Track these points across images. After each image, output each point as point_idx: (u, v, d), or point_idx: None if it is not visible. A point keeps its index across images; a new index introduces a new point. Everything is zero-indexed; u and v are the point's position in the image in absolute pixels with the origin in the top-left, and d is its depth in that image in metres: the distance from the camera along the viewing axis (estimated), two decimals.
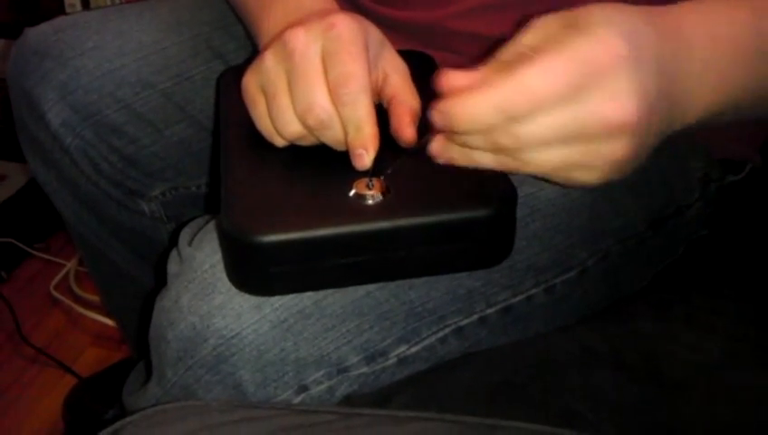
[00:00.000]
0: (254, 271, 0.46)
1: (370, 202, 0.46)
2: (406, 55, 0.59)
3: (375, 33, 0.50)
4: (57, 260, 1.31)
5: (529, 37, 0.41)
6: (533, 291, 0.57)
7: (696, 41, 0.42)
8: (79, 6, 1.50)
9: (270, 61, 0.48)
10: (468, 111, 0.39)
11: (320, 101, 0.46)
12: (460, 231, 0.46)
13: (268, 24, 0.56)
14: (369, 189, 0.46)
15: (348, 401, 0.52)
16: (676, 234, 0.65)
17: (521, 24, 0.42)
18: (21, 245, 1.31)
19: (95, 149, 0.72)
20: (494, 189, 0.47)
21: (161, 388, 0.53)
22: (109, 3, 1.50)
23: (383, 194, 0.46)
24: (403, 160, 0.48)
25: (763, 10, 0.45)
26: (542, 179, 0.44)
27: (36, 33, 0.73)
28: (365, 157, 0.47)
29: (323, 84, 0.46)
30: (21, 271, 1.31)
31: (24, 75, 0.72)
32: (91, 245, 0.83)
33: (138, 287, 0.84)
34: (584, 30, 0.38)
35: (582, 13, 0.40)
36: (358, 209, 0.46)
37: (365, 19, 0.50)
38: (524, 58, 0.38)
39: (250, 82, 0.50)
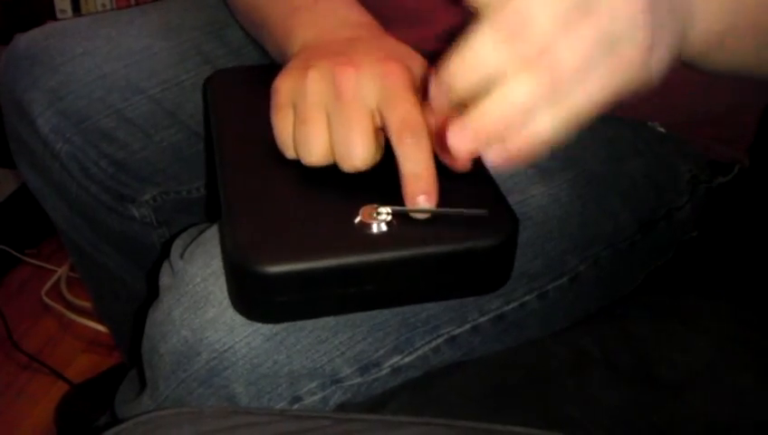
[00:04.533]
0: (259, 300, 0.46)
1: (375, 231, 0.46)
2: None
3: (420, 67, 0.50)
4: (48, 266, 1.30)
5: None
6: (526, 298, 0.57)
7: None
8: (70, 12, 1.50)
9: (314, 84, 0.47)
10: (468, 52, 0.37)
11: (362, 152, 0.46)
12: (465, 261, 0.46)
13: (297, 31, 0.55)
14: (375, 218, 0.46)
15: (342, 408, 0.52)
16: (667, 236, 0.66)
17: None
18: (12, 251, 1.30)
19: (85, 155, 0.72)
20: (498, 218, 0.47)
21: (154, 401, 0.53)
22: (99, 7, 1.50)
23: (388, 223, 0.46)
24: None
25: None
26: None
27: (26, 40, 0.73)
28: (422, 202, 0.45)
29: (371, 135, 0.46)
30: (12, 277, 1.30)
31: (14, 81, 0.71)
32: (82, 250, 0.83)
33: (130, 292, 0.84)
34: None
35: None
36: (363, 239, 0.45)
37: (414, 55, 0.50)
38: None
39: (283, 89, 0.49)
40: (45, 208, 0.81)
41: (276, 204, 0.48)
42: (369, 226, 0.46)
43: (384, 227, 0.46)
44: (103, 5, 1.50)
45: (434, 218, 0.46)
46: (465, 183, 0.48)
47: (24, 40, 0.73)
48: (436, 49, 0.62)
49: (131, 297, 0.83)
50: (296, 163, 0.50)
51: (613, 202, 0.60)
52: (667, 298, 0.65)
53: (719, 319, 0.62)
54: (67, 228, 0.81)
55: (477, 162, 0.52)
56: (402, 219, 0.46)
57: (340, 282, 0.45)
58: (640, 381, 0.55)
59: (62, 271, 1.29)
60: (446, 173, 0.47)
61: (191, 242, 0.54)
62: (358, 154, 0.46)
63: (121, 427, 0.42)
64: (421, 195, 0.45)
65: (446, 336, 0.54)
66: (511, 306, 0.56)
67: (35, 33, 0.74)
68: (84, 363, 1.16)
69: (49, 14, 1.48)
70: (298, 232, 0.46)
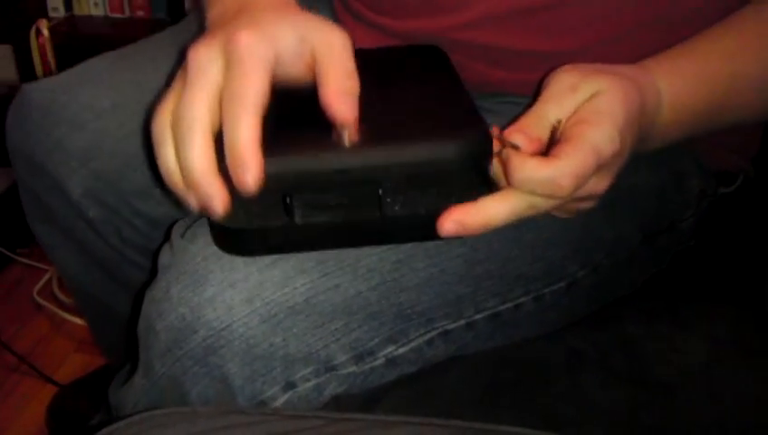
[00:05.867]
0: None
1: (347, 143, 0.46)
2: (414, 50, 0.61)
3: (290, 35, 0.46)
4: (40, 266, 1.30)
5: (553, 110, 0.47)
6: (522, 299, 0.57)
7: (665, 99, 0.51)
8: (62, 10, 1.49)
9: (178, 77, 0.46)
10: (531, 178, 0.44)
11: (197, 111, 0.43)
12: (432, 169, 0.47)
13: (208, 9, 0.53)
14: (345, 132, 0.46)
15: (336, 401, 0.52)
16: (667, 247, 0.66)
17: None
18: (4, 250, 1.30)
19: (119, 216, 0.68)
20: (468, 129, 0.48)
21: (148, 380, 0.53)
22: (92, 6, 1.50)
23: (360, 133, 0.46)
24: None
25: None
26: None
27: (41, 93, 0.66)
28: (246, 176, 0.42)
29: (207, 104, 0.43)
30: (3, 276, 1.30)
31: (32, 141, 0.66)
32: (95, 298, 0.79)
33: None
34: (596, 125, 0.45)
35: (593, 106, 0.47)
36: (334, 146, 0.46)
37: (282, 22, 0.46)
38: (563, 150, 0.45)
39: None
40: (53, 260, 0.76)
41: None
42: (341, 138, 0.46)
43: (355, 139, 0.46)
44: (95, 4, 1.49)
45: (407, 129, 0.48)
46: (440, 98, 0.52)
47: (37, 93, 0.66)
48: (457, 39, 0.62)
49: None
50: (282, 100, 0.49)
51: (618, 213, 0.60)
52: (663, 301, 0.65)
53: (713, 321, 0.62)
54: (81, 280, 0.77)
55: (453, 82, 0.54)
56: (374, 133, 0.47)
57: (311, 185, 0.46)
58: (635, 382, 0.55)
59: (53, 270, 1.28)
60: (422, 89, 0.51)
61: (192, 224, 0.53)
62: (191, 115, 0.43)
63: (113, 427, 0.42)
64: (236, 167, 0.43)
65: (440, 330, 0.54)
66: (506, 306, 0.56)
67: (50, 85, 0.67)
68: (76, 362, 1.16)
69: (41, 12, 1.47)
70: (275, 143, 0.46)
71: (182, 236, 0.53)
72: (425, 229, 0.47)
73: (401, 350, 0.53)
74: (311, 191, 0.47)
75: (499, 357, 0.57)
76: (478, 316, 0.55)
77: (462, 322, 0.55)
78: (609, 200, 0.59)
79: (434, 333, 0.54)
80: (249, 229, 0.47)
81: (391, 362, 0.53)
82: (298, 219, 0.47)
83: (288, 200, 0.46)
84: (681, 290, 0.66)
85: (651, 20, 0.58)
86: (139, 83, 0.66)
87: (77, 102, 0.65)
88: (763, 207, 0.72)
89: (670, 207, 0.64)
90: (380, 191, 0.47)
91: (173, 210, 0.67)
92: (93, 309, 0.84)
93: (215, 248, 0.49)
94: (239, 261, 0.49)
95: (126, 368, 0.69)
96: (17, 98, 0.68)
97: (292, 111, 0.48)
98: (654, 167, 0.62)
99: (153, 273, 0.54)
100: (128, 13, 1.48)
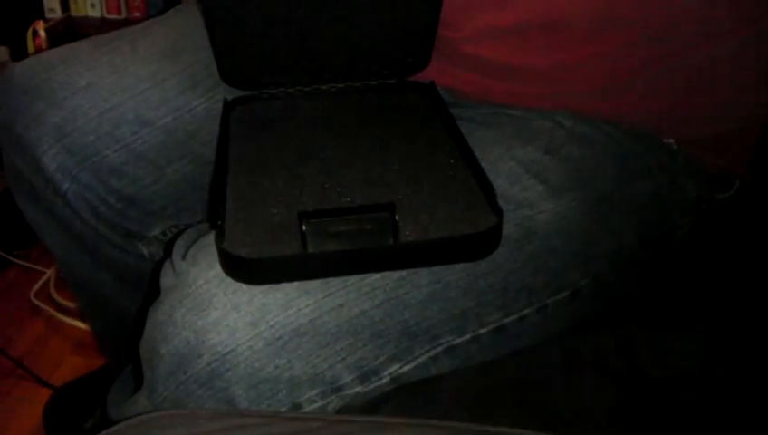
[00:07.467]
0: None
1: None
2: (406, 86, 0.62)
3: None
4: (37, 268, 1.30)
5: None
6: (526, 311, 0.56)
7: None
8: (59, 11, 1.49)
9: None
10: None
11: None
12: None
13: None
14: None
15: (337, 412, 0.51)
16: (666, 253, 0.66)
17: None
18: (0, 252, 1.29)
19: (93, 192, 0.69)
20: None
21: (151, 402, 0.52)
22: (88, 7, 1.49)
23: None
24: None
25: None
26: None
27: (24, 71, 0.69)
28: None
29: None
30: (0, 278, 1.30)
31: (13, 117, 0.68)
32: (82, 280, 0.80)
33: (132, 320, 0.82)
34: None
35: None
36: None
37: None
38: None
39: None
40: (43, 240, 0.77)
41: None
42: None
43: None
44: (92, 6, 1.49)
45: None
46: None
47: (20, 71, 0.69)
48: (466, 51, 0.63)
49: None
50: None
51: (619, 221, 0.60)
52: (660, 303, 0.65)
53: (710, 323, 0.62)
54: (67, 260, 0.78)
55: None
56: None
57: None
58: (632, 383, 0.55)
59: (50, 272, 1.28)
60: None
61: (192, 244, 0.53)
62: None
63: (113, 429, 0.42)
64: None
65: (445, 345, 0.54)
66: (510, 319, 0.56)
67: (33, 63, 0.69)
68: (73, 365, 1.15)
69: (38, 14, 1.47)
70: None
71: (183, 257, 0.53)
72: (437, 255, 0.47)
73: (406, 367, 0.53)
74: (323, 219, 0.46)
75: (497, 360, 0.57)
76: (483, 330, 0.55)
77: (467, 336, 0.55)
78: (608, 208, 0.59)
79: (439, 349, 0.54)
80: (262, 259, 0.47)
81: (396, 380, 0.53)
82: (311, 248, 0.46)
83: (301, 229, 0.46)
84: (678, 292, 0.67)
85: (638, 38, 0.59)
86: (114, 65, 0.68)
87: (55, 80, 0.67)
88: (761, 210, 0.72)
89: (669, 214, 0.64)
90: (396, 217, 0.46)
91: (145, 189, 0.69)
92: (83, 294, 0.85)
93: (217, 271, 0.49)
94: (242, 284, 0.49)
95: (125, 371, 0.69)
96: (4, 75, 0.70)
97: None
98: (650, 173, 0.63)
99: (154, 292, 0.53)
100: (124, 14, 1.48)
